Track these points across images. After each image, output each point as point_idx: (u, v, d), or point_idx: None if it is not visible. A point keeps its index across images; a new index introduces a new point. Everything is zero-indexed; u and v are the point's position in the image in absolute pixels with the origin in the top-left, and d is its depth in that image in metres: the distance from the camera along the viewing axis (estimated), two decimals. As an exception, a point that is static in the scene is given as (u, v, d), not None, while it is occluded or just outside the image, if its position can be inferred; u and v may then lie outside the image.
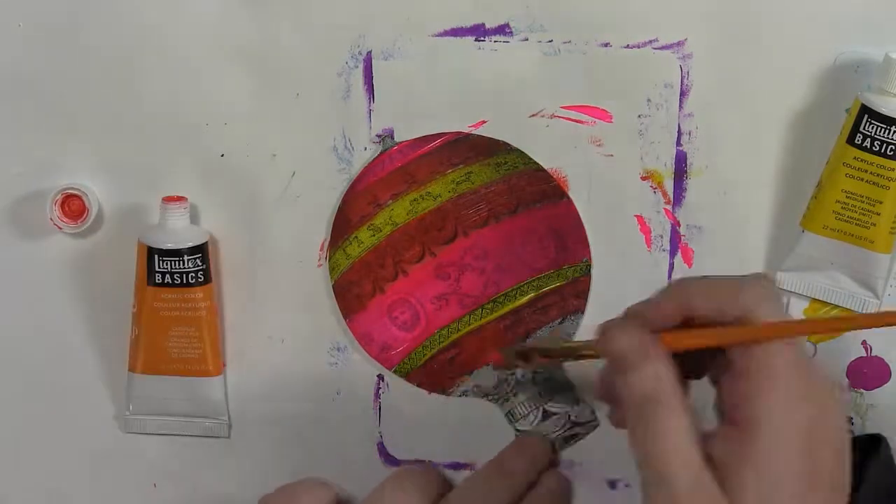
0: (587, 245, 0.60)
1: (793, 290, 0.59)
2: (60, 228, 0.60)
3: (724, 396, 0.46)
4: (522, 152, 0.59)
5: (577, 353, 0.54)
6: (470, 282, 0.60)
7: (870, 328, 0.45)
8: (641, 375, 0.46)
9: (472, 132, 0.60)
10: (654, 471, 0.45)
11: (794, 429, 0.45)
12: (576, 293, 0.60)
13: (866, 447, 0.56)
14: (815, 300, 0.59)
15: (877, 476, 0.51)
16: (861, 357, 0.60)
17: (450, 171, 0.60)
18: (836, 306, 0.59)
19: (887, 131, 0.54)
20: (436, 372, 0.61)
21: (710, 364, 0.48)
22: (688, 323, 0.47)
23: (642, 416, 0.46)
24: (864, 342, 0.60)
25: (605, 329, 0.49)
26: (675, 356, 0.46)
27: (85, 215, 0.60)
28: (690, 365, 0.48)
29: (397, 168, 0.60)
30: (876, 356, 0.60)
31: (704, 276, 0.49)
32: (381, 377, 0.62)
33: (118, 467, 0.64)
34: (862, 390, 0.60)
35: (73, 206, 0.60)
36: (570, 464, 0.62)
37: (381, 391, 0.62)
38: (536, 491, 0.52)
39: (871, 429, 0.60)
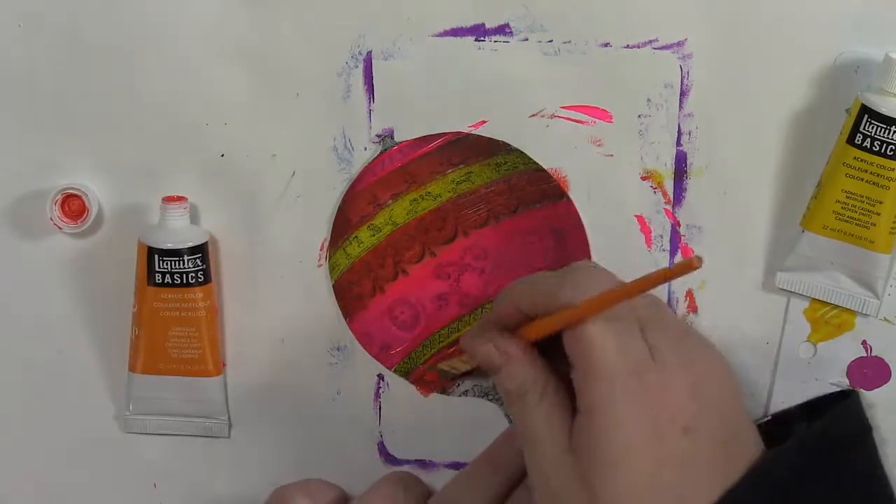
0: (587, 245, 0.60)
1: (793, 290, 0.59)
2: (60, 228, 0.60)
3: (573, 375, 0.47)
4: (522, 152, 0.59)
5: (462, 364, 0.57)
6: (470, 282, 0.60)
7: (673, 279, 0.46)
8: (502, 376, 0.50)
9: (472, 132, 0.60)
10: (530, 464, 0.47)
11: (628, 410, 0.45)
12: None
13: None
14: (815, 300, 0.59)
15: (838, 423, 0.51)
16: (861, 357, 0.60)
17: (450, 171, 0.60)
18: (837, 306, 0.59)
19: (887, 131, 0.54)
20: (436, 372, 0.61)
21: None
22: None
23: (515, 415, 0.49)
24: (864, 342, 0.60)
25: (462, 342, 0.53)
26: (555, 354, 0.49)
27: (85, 215, 0.60)
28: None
29: (397, 168, 0.60)
30: (876, 356, 0.60)
31: (532, 277, 0.52)
32: (381, 377, 0.62)
33: (118, 467, 0.64)
34: (862, 390, 0.60)
35: (73, 206, 0.60)
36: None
37: (381, 391, 0.62)
38: (526, 482, 0.52)
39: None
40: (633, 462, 0.45)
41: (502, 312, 0.51)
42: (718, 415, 0.47)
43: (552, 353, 0.49)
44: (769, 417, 0.57)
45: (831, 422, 0.50)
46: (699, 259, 0.42)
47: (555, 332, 0.49)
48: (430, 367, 0.61)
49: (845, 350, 0.60)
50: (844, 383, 0.60)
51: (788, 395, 0.60)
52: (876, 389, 0.60)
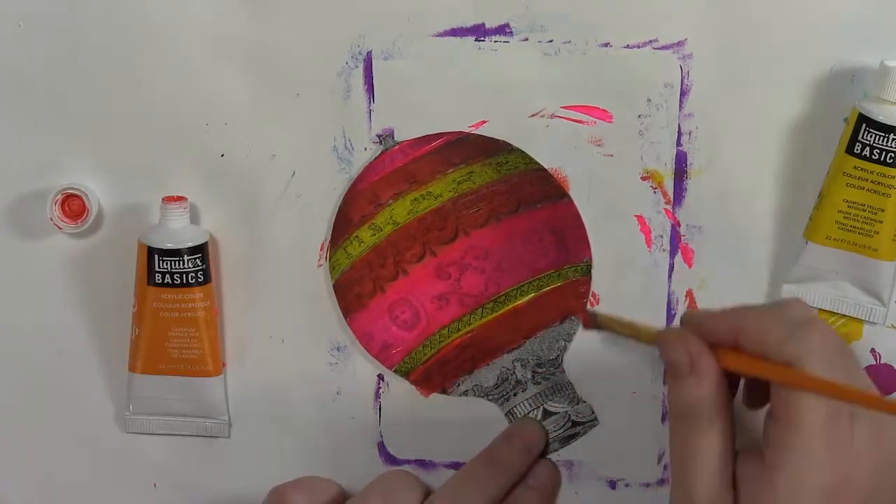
0: (588, 245, 0.60)
1: None
2: (60, 228, 0.60)
3: (764, 430, 0.47)
4: (523, 152, 0.59)
5: (640, 337, 0.54)
6: (470, 281, 0.60)
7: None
8: (684, 388, 0.48)
9: (473, 132, 0.60)
10: (679, 482, 0.47)
11: (809, 489, 0.45)
12: (576, 293, 0.60)
13: None
14: (822, 311, 0.59)
15: None
16: (870, 365, 0.60)
17: (451, 170, 0.60)
18: (844, 315, 0.59)
19: (886, 139, 0.54)
20: (436, 371, 0.61)
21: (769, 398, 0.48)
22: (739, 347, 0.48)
23: (679, 428, 0.48)
24: (872, 350, 0.60)
25: (665, 335, 0.50)
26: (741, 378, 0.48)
27: (85, 215, 0.60)
28: (755, 391, 0.49)
29: (398, 167, 0.60)
30: (885, 364, 0.60)
31: (763, 307, 0.50)
32: (381, 377, 0.62)
33: (118, 467, 0.64)
34: None
35: (73, 206, 0.60)
36: (570, 464, 0.61)
37: (381, 391, 0.62)
38: (526, 482, 0.52)
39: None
40: None
41: (716, 327, 0.49)
42: (890, 490, 0.47)
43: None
44: None
45: None
46: None
47: (762, 378, 0.48)
48: (590, 312, 0.57)
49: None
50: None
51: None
52: (886, 398, 0.60)
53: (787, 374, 0.46)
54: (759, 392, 0.50)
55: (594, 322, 0.56)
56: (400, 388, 0.62)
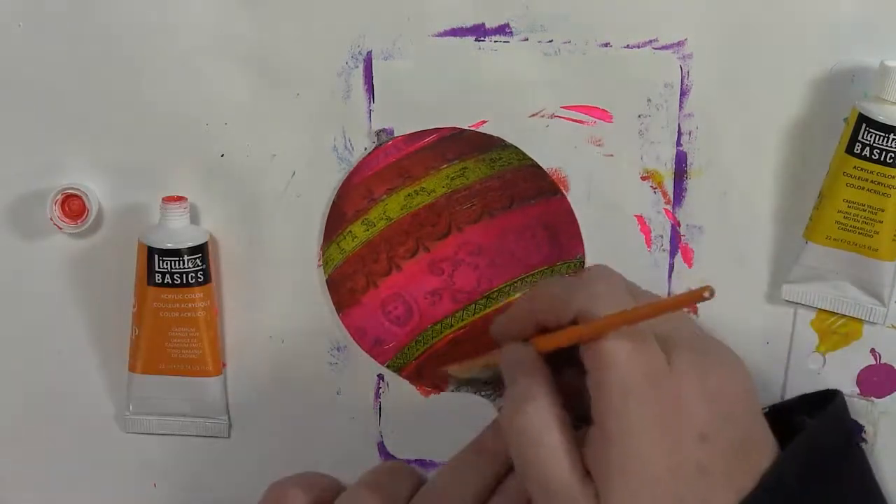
0: (581, 241, 0.60)
1: (799, 301, 0.59)
2: (60, 228, 0.60)
3: (585, 399, 0.47)
4: (517, 149, 0.59)
5: (490, 366, 0.56)
6: (463, 277, 0.61)
7: (684, 307, 0.46)
8: (512, 391, 0.49)
9: (467, 128, 0.60)
10: (533, 482, 0.46)
11: (642, 418, 0.44)
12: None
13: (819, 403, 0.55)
14: (821, 310, 0.59)
15: (821, 431, 0.50)
16: (871, 365, 0.60)
17: (444, 166, 0.60)
18: (844, 315, 0.59)
19: (886, 139, 0.54)
20: (429, 367, 0.61)
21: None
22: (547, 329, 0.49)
23: (509, 420, 0.48)
24: (872, 350, 0.60)
25: (503, 353, 0.51)
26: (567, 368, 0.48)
27: (85, 215, 0.60)
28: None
29: (392, 163, 0.60)
30: (885, 363, 0.60)
31: (548, 283, 0.51)
32: (381, 377, 0.62)
33: (118, 467, 0.64)
34: (873, 398, 0.60)
35: (73, 206, 0.60)
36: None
37: (381, 391, 0.62)
38: (516, 471, 0.52)
39: (884, 436, 0.60)
40: (647, 470, 0.44)
41: (518, 321, 0.51)
42: (735, 422, 0.46)
43: (567, 359, 0.49)
44: (767, 409, 0.57)
45: (825, 423, 0.50)
46: (711, 291, 0.43)
47: (568, 345, 0.48)
48: (440, 373, 0.61)
49: (855, 359, 0.60)
50: (855, 392, 0.60)
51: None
52: (887, 397, 0.60)
53: (577, 331, 0.46)
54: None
55: (452, 380, 0.59)
56: (400, 388, 0.62)
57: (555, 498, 0.46)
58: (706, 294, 0.43)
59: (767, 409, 0.56)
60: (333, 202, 0.60)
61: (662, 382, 0.45)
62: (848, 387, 0.60)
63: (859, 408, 0.60)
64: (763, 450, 0.47)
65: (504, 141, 0.59)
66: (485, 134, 0.59)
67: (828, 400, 0.53)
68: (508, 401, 0.49)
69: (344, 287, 0.61)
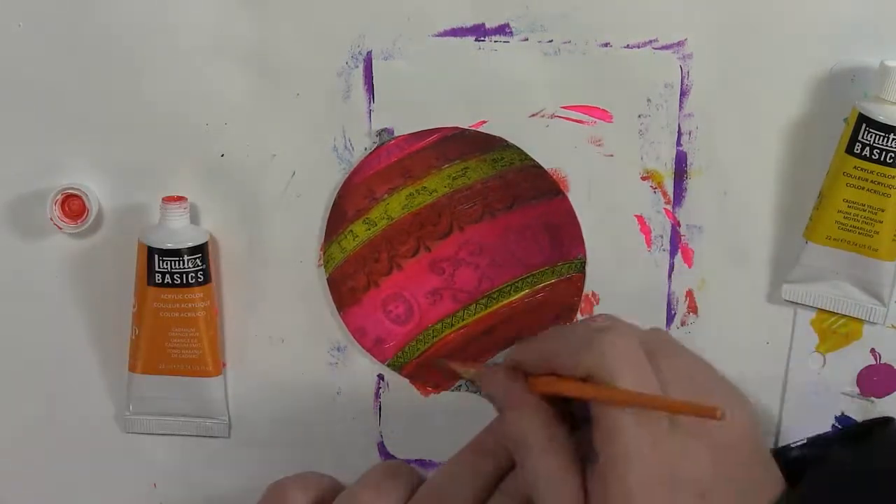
0: (582, 241, 0.60)
1: (799, 301, 0.59)
2: (60, 228, 0.60)
3: (592, 437, 0.47)
4: (519, 148, 0.59)
5: (474, 380, 0.58)
6: (464, 277, 0.61)
7: (695, 415, 0.47)
8: (507, 420, 0.50)
9: (468, 128, 0.60)
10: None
11: (643, 485, 0.45)
12: (570, 290, 0.60)
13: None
14: (821, 310, 0.59)
15: (880, 459, 0.51)
16: (871, 365, 0.60)
17: (446, 166, 0.60)
18: (844, 315, 0.59)
19: (886, 139, 0.54)
20: (429, 366, 0.61)
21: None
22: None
23: (517, 457, 0.49)
24: (872, 350, 0.60)
25: (481, 374, 0.53)
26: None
27: (85, 215, 0.60)
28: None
29: (394, 162, 0.60)
30: (885, 363, 0.60)
31: (567, 328, 0.52)
32: (381, 377, 0.62)
33: (118, 467, 0.64)
34: (873, 398, 0.60)
35: (73, 206, 0.60)
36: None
37: (381, 391, 0.62)
38: (516, 470, 0.52)
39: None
40: None
41: (530, 360, 0.50)
42: (738, 469, 0.47)
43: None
44: (805, 441, 0.57)
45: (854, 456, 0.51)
46: (723, 414, 0.44)
47: (577, 398, 0.48)
48: (433, 362, 0.61)
49: (854, 359, 0.60)
50: (855, 392, 0.60)
51: (800, 407, 0.60)
52: (887, 397, 0.60)
53: (590, 392, 0.46)
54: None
55: (451, 374, 0.59)
56: (400, 388, 0.62)
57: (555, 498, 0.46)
58: (717, 414, 0.43)
59: (805, 441, 0.57)
60: (335, 201, 0.60)
61: (665, 446, 0.46)
62: (848, 387, 0.60)
63: (859, 408, 0.60)
64: (767, 490, 0.47)
65: (506, 141, 0.59)
66: (487, 134, 0.59)
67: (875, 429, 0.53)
68: (504, 419, 0.50)
69: (345, 286, 0.61)
